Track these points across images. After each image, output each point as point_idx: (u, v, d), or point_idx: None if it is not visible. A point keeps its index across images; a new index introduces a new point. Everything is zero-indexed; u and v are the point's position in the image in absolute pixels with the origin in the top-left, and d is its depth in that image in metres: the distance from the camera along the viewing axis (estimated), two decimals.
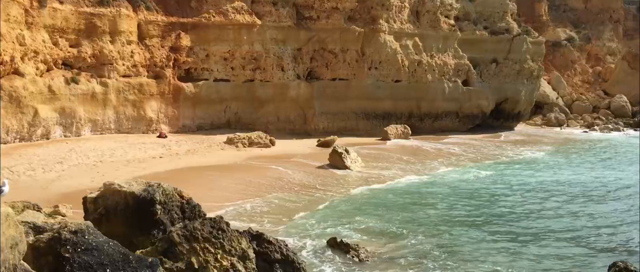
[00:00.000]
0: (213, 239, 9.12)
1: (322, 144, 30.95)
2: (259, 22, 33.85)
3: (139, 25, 31.18)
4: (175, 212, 10.66)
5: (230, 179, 21.61)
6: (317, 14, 35.68)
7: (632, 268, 10.04)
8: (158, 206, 10.32)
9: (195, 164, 23.67)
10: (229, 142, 29.02)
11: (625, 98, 55.20)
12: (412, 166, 27.37)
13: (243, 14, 33.51)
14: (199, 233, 9.11)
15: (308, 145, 31.22)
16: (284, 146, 30.12)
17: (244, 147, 28.63)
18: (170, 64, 31.90)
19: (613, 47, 69.38)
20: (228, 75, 33.78)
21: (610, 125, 48.28)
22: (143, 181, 11.26)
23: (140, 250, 8.97)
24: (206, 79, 33.12)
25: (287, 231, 15.67)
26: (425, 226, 16.53)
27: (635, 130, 47.84)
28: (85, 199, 10.99)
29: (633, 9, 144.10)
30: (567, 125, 49.22)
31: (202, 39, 32.93)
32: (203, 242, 9.07)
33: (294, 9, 35.45)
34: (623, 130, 47.12)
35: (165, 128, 31.13)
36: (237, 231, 9.60)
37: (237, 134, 29.97)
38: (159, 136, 29.81)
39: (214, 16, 32.98)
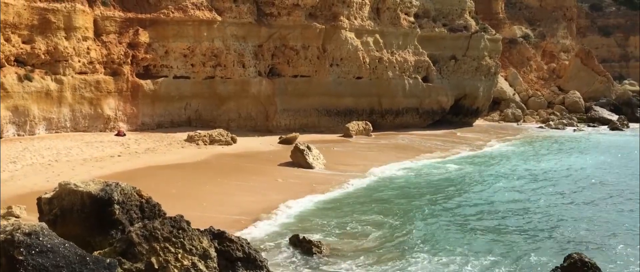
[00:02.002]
0: (173, 239, 8.99)
1: (284, 141, 30.88)
2: (219, 18, 33.50)
3: (95, 21, 30.45)
4: (134, 212, 10.48)
5: (192, 178, 21.34)
6: (278, 10, 35.54)
7: (586, 259, 10.34)
8: (116, 206, 10.13)
9: (155, 163, 23.29)
10: (190, 140, 28.65)
11: (578, 94, 56.88)
12: (374, 162, 27.55)
13: (203, 10, 33.11)
14: (159, 233, 8.96)
15: (270, 142, 31.10)
16: (245, 143, 29.93)
17: (205, 145, 28.32)
18: (128, 60, 31.27)
19: (567, 44, 71.42)
20: (188, 72, 33.33)
21: (564, 121, 49.63)
22: (100, 181, 11.02)
23: (98, 251, 8.78)
24: (166, 76, 32.61)
25: (249, 229, 15.57)
26: (387, 222, 16.66)
27: (588, 125, 49.38)
28: (39, 199, 10.68)
29: (586, 7, 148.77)
30: (524, 121, 50.40)
31: (161, 36, 32.39)
32: (163, 242, 8.93)
33: (255, 6, 35.22)
34: (577, 125, 48.51)
35: (123, 126, 30.52)
36: (198, 229, 9.48)
37: (198, 131, 29.62)
38: (117, 134, 29.21)
39: (173, 12, 32.48)
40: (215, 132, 29.46)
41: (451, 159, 29.79)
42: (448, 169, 26.45)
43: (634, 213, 18.04)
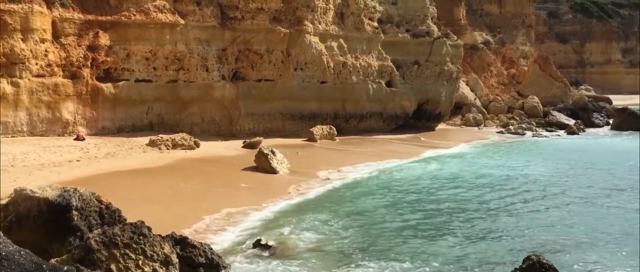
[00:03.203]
0: (134, 245, 8.84)
1: (248, 146, 30.71)
2: (182, 21, 33.13)
3: (53, 23, 29.73)
4: (94, 218, 10.28)
5: (153, 184, 21.02)
6: (242, 14, 35.36)
7: (544, 261, 10.57)
8: (74, 212, 9.90)
9: (116, 168, 22.85)
10: (152, 144, 28.22)
11: (537, 99, 58.22)
12: (338, 165, 27.65)
13: (165, 12, 32.69)
14: (119, 239, 8.80)
15: (234, 146, 30.89)
16: (209, 147, 29.64)
17: (168, 149, 27.93)
18: (88, 63, 30.62)
19: (526, 51, 73.11)
20: (150, 76, 32.84)
21: (523, 125, 50.72)
22: (58, 186, 10.77)
23: (56, 258, 8.56)
24: (127, 79, 32.05)
25: (212, 234, 15.42)
26: (351, 225, 16.74)
27: (546, 129, 50.56)
28: None
29: (544, 15, 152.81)
30: (485, 125, 51.29)
31: (122, 38, 31.85)
32: (123, 248, 8.77)
33: (219, 9, 34.97)
34: (535, 129, 49.62)
35: (82, 130, 29.85)
36: (159, 235, 9.35)
37: (160, 136, 29.20)
38: (76, 139, 28.54)
39: (134, 15, 31.97)
40: (178, 137, 29.08)
41: (414, 162, 30.12)
42: (411, 172, 26.74)
43: (592, 216, 18.54)
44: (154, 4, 32.44)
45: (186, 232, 14.29)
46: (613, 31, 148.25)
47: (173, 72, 33.42)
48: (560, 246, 15.00)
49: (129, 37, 31.96)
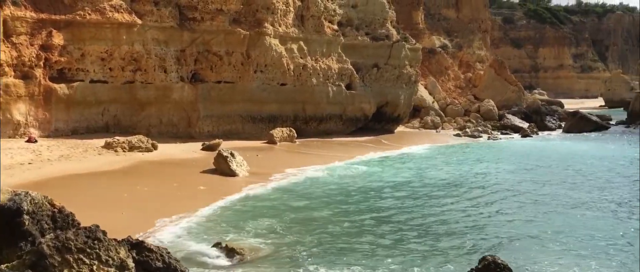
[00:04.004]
0: (88, 250, 8.63)
1: (207, 148, 30.40)
2: (139, 21, 32.56)
3: (4, 22, 28.73)
4: (46, 222, 9.99)
5: (109, 187, 20.58)
6: (201, 15, 35.01)
7: (499, 261, 10.78)
8: (26, 216, 9.61)
9: (70, 171, 22.27)
10: (107, 146, 27.62)
11: (492, 102, 59.57)
12: (298, 168, 27.66)
13: (122, 12, 32.07)
14: (73, 244, 8.57)
15: (192, 149, 30.53)
16: (167, 150, 29.21)
17: (124, 151, 27.38)
18: (41, 63, 29.76)
19: (482, 55, 74.82)
20: (106, 76, 32.15)
21: (479, 128, 51.77)
22: (8, 190, 10.43)
23: (6, 264, 8.29)
24: (82, 80, 31.30)
25: (170, 238, 15.20)
26: (310, 226, 16.76)
27: (501, 132, 51.73)
28: None
29: (499, 20, 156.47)
30: (442, 128, 52.13)
31: (77, 38, 31.09)
32: (77, 253, 8.55)
33: (177, 10, 34.52)
34: (491, 132, 50.72)
35: (34, 132, 28.96)
36: (114, 239, 9.15)
37: (116, 138, 28.61)
38: (27, 141, 27.67)
39: (89, 14, 31.24)
40: (134, 139, 28.55)
41: (371, 164, 30.36)
42: (366, 174, 26.92)
43: (546, 216, 19.03)
44: (110, 3, 31.79)
45: (142, 235, 14.06)
46: (565, 37, 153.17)
47: (130, 73, 32.81)
48: (514, 246, 15.34)
49: (83, 36, 31.23)
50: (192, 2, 34.76)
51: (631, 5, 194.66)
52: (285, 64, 37.96)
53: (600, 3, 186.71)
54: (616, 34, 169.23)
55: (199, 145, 31.25)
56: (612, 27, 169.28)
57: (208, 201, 19.72)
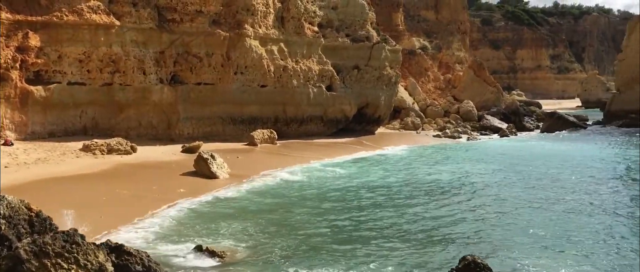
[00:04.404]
0: (66, 254, 8.51)
1: (187, 150, 30.19)
2: (117, 23, 32.23)
3: None
4: (23, 227, 9.84)
5: (87, 190, 20.33)
6: (181, 16, 34.77)
7: (479, 261, 10.88)
8: (2, 220, 9.45)
9: (47, 174, 21.95)
10: (86, 149, 27.28)
11: (471, 103, 60.11)
12: (279, 170, 27.62)
13: (100, 13, 31.71)
14: (50, 248, 8.46)
15: (172, 151, 30.29)
16: (146, 152, 28.94)
17: (103, 154, 27.07)
18: (17, 65, 29.26)
19: (461, 56, 75.54)
20: (84, 78, 31.76)
21: (459, 129, 52.19)
22: None
23: None
24: (59, 82, 30.87)
25: (149, 242, 15.07)
26: (291, 229, 16.73)
27: (481, 133, 52.20)
28: None
29: (478, 22, 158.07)
30: (423, 129, 52.45)
31: (54, 40, 30.66)
32: (55, 258, 8.43)
33: (156, 11, 34.23)
34: (470, 133, 51.15)
35: (11, 135, 28.46)
36: (93, 243, 9.04)
37: (95, 140, 28.25)
38: (4, 144, 27.19)
39: (67, 15, 30.84)
40: (113, 141, 28.25)
41: (351, 165, 30.42)
42: (346, 175, 26.96)
43: (525, 216, 19.22)
44: (87, 4, 31.42)
45: (122, 239, 13.91)
46: (542, 38, 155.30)
47: (108, 74, 32.46)
48: (494, 246, 15.47)
49: (61, 38, 30.82)
50: (171, 3, 34.52)
51: (607, 7, 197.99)
52: (266, 66, 37.87)
53: (577, 5, 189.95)
54: (592, 35, 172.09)
55: (179, 147, 31.03)
56: (588, 28, 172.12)
57: (191, 203, 19.60)
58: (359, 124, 45.20)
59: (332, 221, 17.95)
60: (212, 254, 13.78)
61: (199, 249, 14.09)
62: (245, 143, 35.10)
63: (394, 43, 49.52)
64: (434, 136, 48.28)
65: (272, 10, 38.94)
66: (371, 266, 13.52)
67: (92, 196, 19.35)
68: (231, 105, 36.86)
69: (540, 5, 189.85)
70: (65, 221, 14.99)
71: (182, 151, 30.33)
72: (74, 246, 8.66)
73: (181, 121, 34.68)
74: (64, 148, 27.50)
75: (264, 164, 28.86)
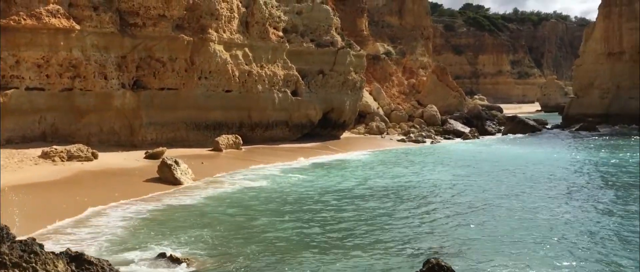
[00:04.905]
0: (24, 264, 8.27)
1: (150, 156, 29.76)
2: (77, 27, 31.59)
3: None
4: None
5: (46, 198, 19.82)
6: (143, 21, 34.29)
7: (443, 264, 10.99)
8: None
9: (4, 182, 21.29)
10: (45, 156, 26.59)
11: (435, 108, 60.96)
12: (244, 175, 27.46)
13: (59, 17, 31.03)
14: (7, 258, 8.21)
15: (135, 157, 29.80)
16: (108, 159, 28.40)
17: (63, 161, 26.43)
18: None
19: (424, 62, 76.55)
20: (42, 84, 31.01)
21: (423, 133, 52.85)
22: None
23: None
24: (16, 88, 30.05)
25: (110, 248, 14.77)
26: (254, 235, 16.62)
27: (444, 137, 52.96)
28: None
29: (441, 28, 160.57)
30: (387, 133, 52.90)
31: (11, 44, 29.83)
32: (12, 268, 8.18)
33: (118, 15, 33.68)
34: (434, 137, 51.86)
35: None
36: (52, 253, 8.81)
37: (54, 147, 27.58)
38: None
39: (24, 19, 30.06)
40: (73, 148, 27.62)
41: (316, 170, 30.47)
42: (309, 180, 26.98)
43: (487, 219, 19.53)
44: (46, 8, 30.70)
45: (82, 248, 13.60)
46: (503, 44, 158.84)
47: (68, 80, 31.77)
48: (458, 248, 15.66)
49: (18, 42, 30.03)
50: (134, 7, 34.02)
51: (564, 13, 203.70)
52: (230, 71, 37.65)
53: (536, 12, 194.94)
54: (551, 41, 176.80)
55: (142, 153, 30.55)
56: (547, 35, 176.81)
57: (154, 210, 19.30)
58: (325, 128, 45.32)
59: (297, 226, 17.89)
60: (176, 261, 13.59)
61: (162, 256, 13.88)
62: (210, 149, 34.79)
63: (359, 48, 49.88)
64: (398, 140, 48.74)
65: (236, 15, 38.77)
66: (336, 271, 13.52)
67: (50, 204, 18.87)
68: (195, 111, 36.51)
69: (501, 12, 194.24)
70: (24, 230, 14.58)
71: (146, 157, 29.88)
72: (32, 255, 8.43)
73: (144, 127, 34.17)
74: (21, 155, 26.75)
75: (229, 170, 28.64)
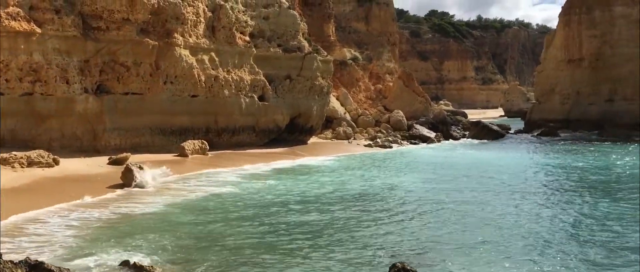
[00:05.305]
0: None
1: (114, 162, 29.26)
2: (38, 30, 30.86)
3: None
4: None
5: (4, 207, 19.26)
6: (107, 24, 33.70)
7: (409, 268, 11.11)
8: None
9: None
10: (3, 162, 25.83)
11: (401, 113, 61.54)
12: (209, 181, 27.20)
13: (19, 20, 30.27)
14: None
15: (98, 163, 29.25)
16: (70, 165, 27.78)
17: (22, 167, 25.74)
18: None
19: (391, 67, 77.19)
20: (2, 88, 30.17)
21: (390, 138, 53.24)
22: None
23: None
24: None
25: (70, 255, 14.44)
26: (219, 242, 16.46)
27: (410, 142, 53.47)
28: None
29: (407, 34, 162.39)
30: (354, 138, 53.14)
31: None
32: None
33: (80, 18, 33.03)
34: (400, 142, 52.32)
35: None
36: (10, 261, 8.57)
37: (14, 153, 26.82)
38: None
39: None
40: (34, 154, 26.93)
41: (282, 175, 30.39)
42: (277, 186, 26.90)
43: (452, 222, 19.77)
44: (5, 10, 29.93)
45: (43, 256, 13.26)
46: (467, 51, 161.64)
47: (28, 84, 31.00)
48: (423, 252, 15.80)
49: None
50: (97, 11, 33.42)
51: (526, 21, 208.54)
52: (196, 75, 37.31)
53: (499, 19, 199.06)
54: (513, 48, 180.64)
55: (105, 159, 30.02)
56: (510, 41, 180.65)
57: (117, 218, 18.95)
58: (292, 134, 45.27)
59: (261, 232, 17.77)
60: (140, 269, 13.34)
61: (125, 264, 13.62)
62: (176, 154, 34.38)
63: (326, 54, 50.04)
64: (365, 146, 49.01)
65: (202, 19, 38.47)
66: None
67: (9, 211, 18.35)
68: (161, 116, 36.04)
69: (465, 19, 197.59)
70: None
71: (109, 163, 29.36)
72: None
73: (108, 132, 33.56)
74: None
75: (195, 176, 28.33)
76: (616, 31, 64.51)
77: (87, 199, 21.50)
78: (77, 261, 14.03)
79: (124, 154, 30.16)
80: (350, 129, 54.45)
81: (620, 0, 64.42)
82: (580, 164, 37.32)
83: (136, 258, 14.07)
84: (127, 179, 24.31)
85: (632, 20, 63.74)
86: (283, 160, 36.99)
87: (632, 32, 63.37)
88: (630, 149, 47.00)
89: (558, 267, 14.35)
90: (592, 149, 47.79)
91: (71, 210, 19.77)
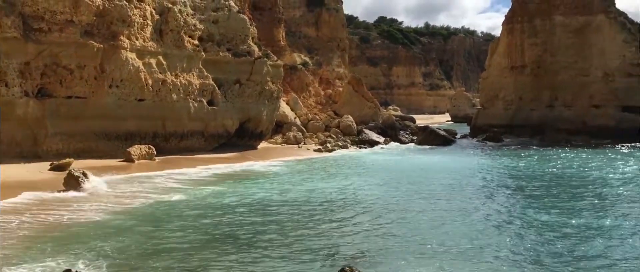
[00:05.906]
0: None
1: (56, 168, 28.33)
2: None
3: None
4: None
5: None
6: (49, 26, 32.62)
7: (356, 271, 11.20)
8: None
9: None
10: None
11: (351, 118, 62.02)
12: (156, 187, 26.67)
13: None
14: None
15: (39, 169, 28.25)
16: (8, 170, 26.68)
17: None
18: None
19: (341, 72, 77.74)
20: None
21: (340, 143, 53.58)
22: None
23: None
24: None
25: (4, 264, 13.88)
26: (164, 250, 16.15)
27: (360, 146, 53.96)
28: None
29: (356, 40, 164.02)
30: (304, 143, 53.20)
31: None
32: None
33: (21, 19, 31.85)
34: (350, 146, 52.73)
35: None
36: None
37: None
38: None
39: None
40: None
41: (232, 181, 30.13)
42: (226, 191, 26.66)
43: (401, 225, 20.03)
44: None
45: None
46: (415, 57, 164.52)
47: None
48: (371, 255, 15.94)
49: None
50: (38, 12, 32.32)
51: (472, 28, 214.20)
52: (143, 79, 36.57)
53: (445, 26, 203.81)
54: (459, 55, 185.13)
55: (47, 165, 29.03)
56: (456, 48, 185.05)
57: (59, 225, 18.32)
58: (242, 138, 44.93)
59: (208, 238, 17.55)
60: None
61: None
62: (122, 160, 33.59)
63: (276, 58, 49.93)
64: (315, 150, 49.13)
65: (150, 22, 37.75)
66: None
67: None
68: (106, 120, 35.11)
69: (413, 26, 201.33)
70: None
71: (51, 169, 28.42)
72: None
73: (49, 137, 32.46)
74: None
75: (141, 181, 27.72)
76: (556, 39, 67.02)
77: (26, 201, 20.71)
78: (15, 270, 13.50)
79: (67, 160, 29.25)
80: (300, 133, 54.48)
81: (560, 10, 66.97)
82: (526, 167, 38.62)
83: (78, 267, 13.67)
84: (70, 185, 23.58)
85: (570, 30, 66.39)
86: (232, 164, 36.66)
87: (571, 40, 65.99)
88: (568, 153, 48.90)
89: (505, 268, 14.76)
90: (533, 154, 49.40)
91: (31, 217, 19.01)
